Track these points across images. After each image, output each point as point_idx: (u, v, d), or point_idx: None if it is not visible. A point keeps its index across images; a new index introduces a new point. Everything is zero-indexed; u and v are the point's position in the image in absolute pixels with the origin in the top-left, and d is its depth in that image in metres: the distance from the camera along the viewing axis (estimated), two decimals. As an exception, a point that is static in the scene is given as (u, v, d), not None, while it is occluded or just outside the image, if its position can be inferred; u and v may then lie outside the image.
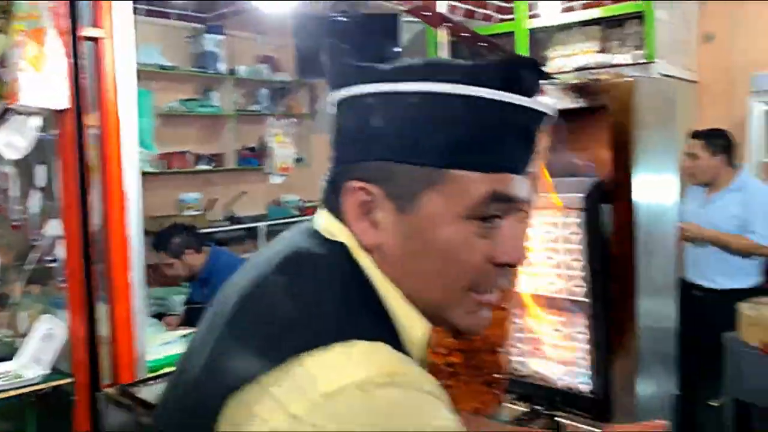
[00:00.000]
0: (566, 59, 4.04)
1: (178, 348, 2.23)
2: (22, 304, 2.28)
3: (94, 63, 1.91)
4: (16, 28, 1.80)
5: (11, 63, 1.81)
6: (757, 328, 2.54)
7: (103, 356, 1.94)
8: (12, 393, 1.91)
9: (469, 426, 0.79)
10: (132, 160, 1.81)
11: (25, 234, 2.15)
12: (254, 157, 5.74)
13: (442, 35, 2.36)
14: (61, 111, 1.85)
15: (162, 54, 5.16)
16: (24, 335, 2.10)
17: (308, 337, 0.57)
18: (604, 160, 1.41)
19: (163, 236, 3.13)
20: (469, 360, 1.20)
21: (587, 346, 1.44)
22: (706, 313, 2.84)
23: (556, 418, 1.49)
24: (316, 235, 0.70)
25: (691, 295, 2.93)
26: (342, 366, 0.55)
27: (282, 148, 3.94)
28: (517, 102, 0.63)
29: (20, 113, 1.87)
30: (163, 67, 5.13)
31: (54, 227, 1.96)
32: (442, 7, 2.60)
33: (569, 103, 1.40)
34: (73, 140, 1.80)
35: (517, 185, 0.65)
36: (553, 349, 1.51)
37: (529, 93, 0.65)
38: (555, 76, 1.44)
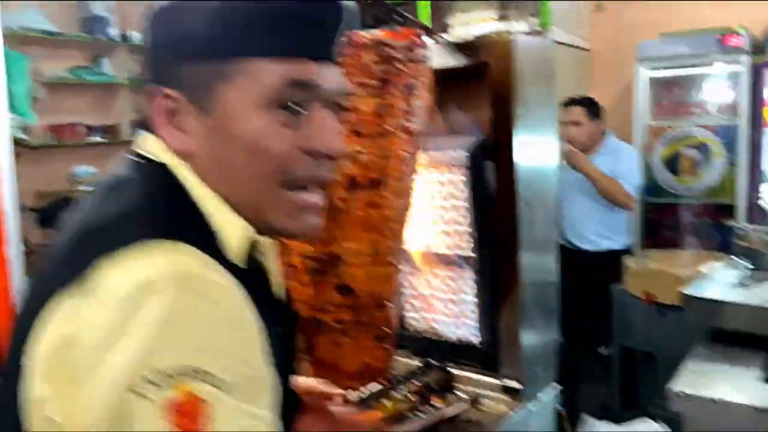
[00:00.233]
0: (466, 27, 4.11)
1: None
2: None
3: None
4: None
5: None
6: (640, 279, 2.73)
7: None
8: None
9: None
10: (2, 127, 1.68)
11: None
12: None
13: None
14: None
15: (48, 19, 4.81)
16: None
17: (109, 243, 0.57)
18: (486, 119, 1.44)
19: (49, 212, 2.96)
20: (358, 316, 1.21)
21: (475, 300, 1.49)
22: (585, 271, 3.01)
23: (448, 370, 1.54)
24: (137, 157, 0.70)
25: (569, 257, 3.11)
26: (135, 267, 0.55)
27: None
28: None
29: None
30: (48, 33, 4.78)
31: None
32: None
33: (452, 60, 1.42)
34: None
35: (319, 73, 0.65)
36: (444, 303, 1.55)
37: None
38: (439, 34, 1.45)
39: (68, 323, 0.55)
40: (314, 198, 0.68)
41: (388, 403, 1.48)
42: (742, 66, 4.33)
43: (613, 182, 3.11)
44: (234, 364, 0.55)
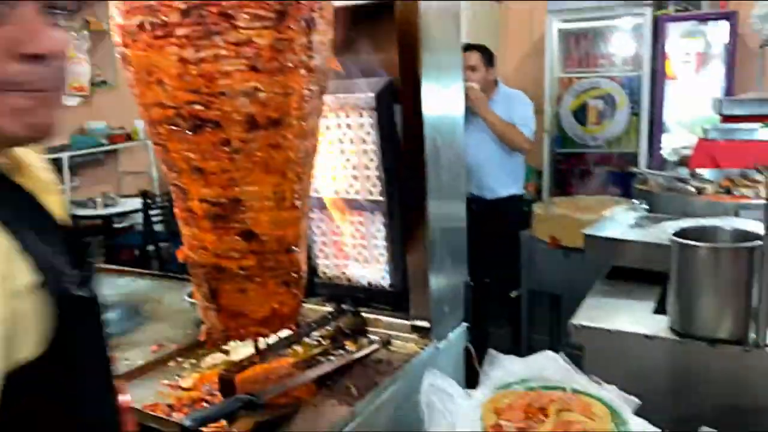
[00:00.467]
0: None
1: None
2: None
3: None
4: None
5: None
6: (545, 224, 2.82)
7: None
8: None
9: None
10: None
11: None
12: (49, 80, 5.12)
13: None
14: None
15: None
16: None
17: None
18: (394, 62, 1.42)
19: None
20: (263, 261, 1.18)
21: (385, 244, 1.49)
22: (485, 219, 3.09)
23: (360, 314, 1.55)
24: None
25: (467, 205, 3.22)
26: None
27: (75, 65, 3.54)
28: None
29: None
30: None
31: None
32: None
33: (353, 1, 1.38)
34: None
35: None
36: (355, 248, 1.55)
37: None
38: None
39: None
40: (29, 102, 0.66)
41: (299, 349, 1.48)
42: (646, 19, 4.50)
43: (510, 126, 3.20)
44: None
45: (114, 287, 2.06)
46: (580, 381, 1.19)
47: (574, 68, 4.95)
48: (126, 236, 5.37)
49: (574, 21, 4.81)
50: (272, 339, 1.36)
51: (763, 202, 1.30)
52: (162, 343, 1.57)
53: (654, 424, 1.10)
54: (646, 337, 1.46)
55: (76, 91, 3.61)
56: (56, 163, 5.19)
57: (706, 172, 2.62)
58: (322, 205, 1.55)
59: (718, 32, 4.65)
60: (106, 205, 4.91)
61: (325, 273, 1.63)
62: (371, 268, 1.55)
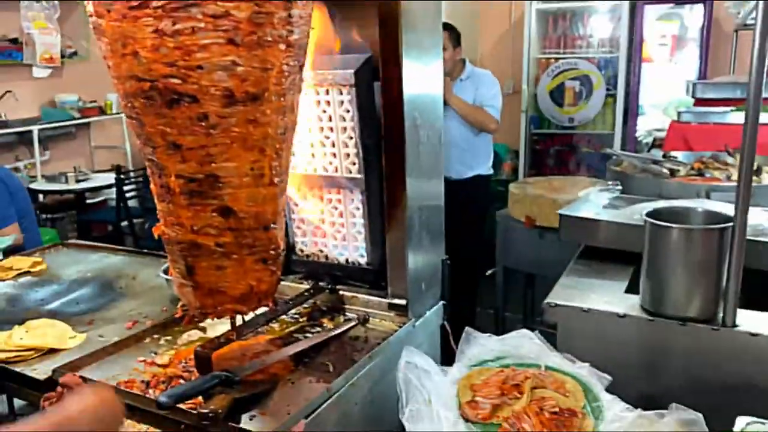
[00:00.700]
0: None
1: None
2: None
3: None
4: None
5: None
6: (521, 204, 2.84)
7: None
8: None
9: None
10: None
11: None
12: (17, 50, 4.97)
13: None
14: None
15: None
16: None
17: None
18: (374, 39, 1.40)
19: None
20: (241, 239, 1.17)
21: (363, 221, 1.49)
22: (451, 200, 3.10)
23: (337, 291, 1.55)
24: None
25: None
26: None
27: (45, 35, 3.43)
28: None
29: None
30: None
31: None
32: None
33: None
34: None
35: None
36: (333, 226, 1.54)
37: None
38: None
39: None
40: None
41: (276, 326, 1.48)
42: (623, 1, 4.51)
43: (476, 109, 3.21)
44: None
45: (87, 263, 2.03)
46: (554, 359, 1.21)
47: (552, 49, 4.97)
48: (99, 212, 5.28)
49: (552, 1, 4.81)
50: (249, 316, 1.35)
51: (733, 184, 1.32)
52: (137, 320, 1.56)
53: (625, 401, 1.13)
54: (619, 315, 1.48)
55: (46, 62, 3.50)
56: (26, 136, 5.07)
57: (679, 155, 2.65)
58: (299, 182, 1.54)
59: (694, 16, 4.69)
60: (78, 180, 4.81)
61: (302, 250, 1.63)
62: (349, 246, 1.54)
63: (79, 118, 5.37)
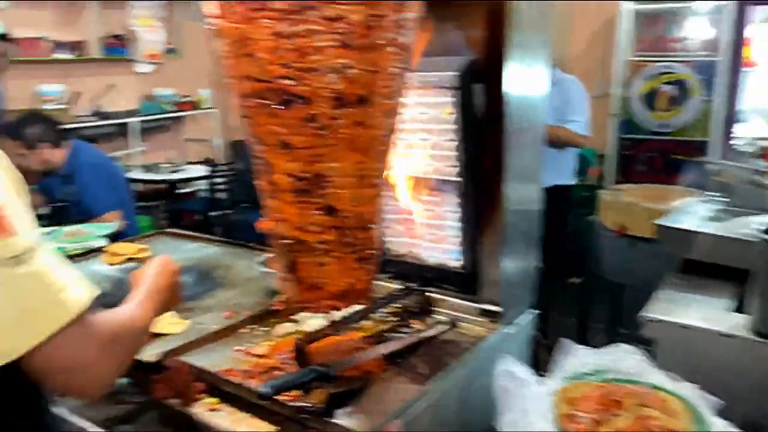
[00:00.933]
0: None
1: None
2: None
3: None
4: None
5: None
6: (612, 212, 2.76)
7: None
8: None
9: None
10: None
11: None
12: (122, 46, 5.27)
13: None
14: None
15: None
16: None
17: None
18: (478, 40, 1.40)
19: (18, 125, 2.85)
20: (342, 237, 1.20)
21: (458, 224, 1.49)
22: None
23: (427, 293, 1.55)
24: None
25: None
26: None
27: (150, 33, 3.61)
28: None
29: None
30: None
31: None
32: None
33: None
34: None
35: None
36: (426, 228, 1.55)
37: None
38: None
39: None
40: None
41: (368, 324, 1.50)
42: (727, 1, 4.28)
43: (560, 129, 3.09)
44: None
45: (185, 251, 2.12)
46: (657, 376, 1.17)
47: (646, 51, 4.78)
48: (188, 202, 5.51)
49: (648, 1, 4.62)
50: (343, 312, 1.37)
51: None
52: (234, 310, 1.61)
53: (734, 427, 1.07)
54: (724, 335, 1.41)
55: (149, 59, 3.69)
56: (125, 128, 5.36)
57: (788, 166, 2.49)
58: (394, 183, 1.55)
59: (806, 17, 4.39)
60: (172, 171, 5.05)
61: (394, 250, 1.64)
62: (441, 249, 1.54)
63: (174, 112, 5.63)
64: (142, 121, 5.42)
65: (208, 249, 2.15)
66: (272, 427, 1.17)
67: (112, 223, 2.71)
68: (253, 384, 1.22)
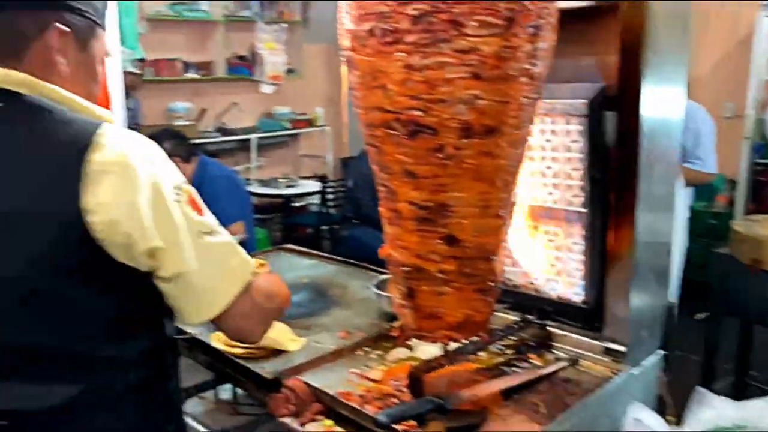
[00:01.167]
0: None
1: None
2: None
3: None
4: None
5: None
6: (746, 245, 2.55)
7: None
8: None
9: None
10: (114, 60, 1.72)
11: None
12: (245, 66, 5.57)
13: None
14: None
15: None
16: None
17: None
18: (609, 66, 1.34)
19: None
20: (463, 267, 1.18)
21: (581, 257, 1.42)
22: None
23: (546, 327, 1.50)
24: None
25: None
26: None
27: (273, 55, 3.80)
28: None
29: None
30: (148, -32, 4.88)
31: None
32: None
33: (576, 1, 1.31)
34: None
35: None
36: (548, 259, 1.50)
37: None
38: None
39: None
40: None
41: (484, 356, 1.47)
42: None
43: (690, 172, 2.89)
44: None
45: (302, 268, 2.19)
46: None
47: (786, 69, 4.40)
48: (301, 216, 5.71)
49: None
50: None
51: None
52: (349, 330, 1.64)
53: None
54: None
55: (272, 80, 3.89)
56: (246, 144, 5.65)
57: None
58: (516, 211, 1.52)
59: None
60: (287, 186, 5.25)
61: (511, 280, 1.60)
62: (563, 281, 1.49)
63: (290, 129, 5.86)
64: (262, 138, 5.69)
65: (323, 267, 2.20)
66: (387, 456, 1.16)
67: (236, 235, 2.85)
68: (370, 410, 1.23)
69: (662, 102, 1.35)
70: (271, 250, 2.44)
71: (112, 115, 1.11)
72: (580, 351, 1.43)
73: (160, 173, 1.00)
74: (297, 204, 5.73)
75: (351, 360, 1.48)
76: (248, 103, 5.78)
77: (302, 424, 1.29)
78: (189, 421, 1.51)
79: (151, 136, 1.13)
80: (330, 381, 1.37)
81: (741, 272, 2.58)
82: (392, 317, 1.55)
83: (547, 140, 1.41)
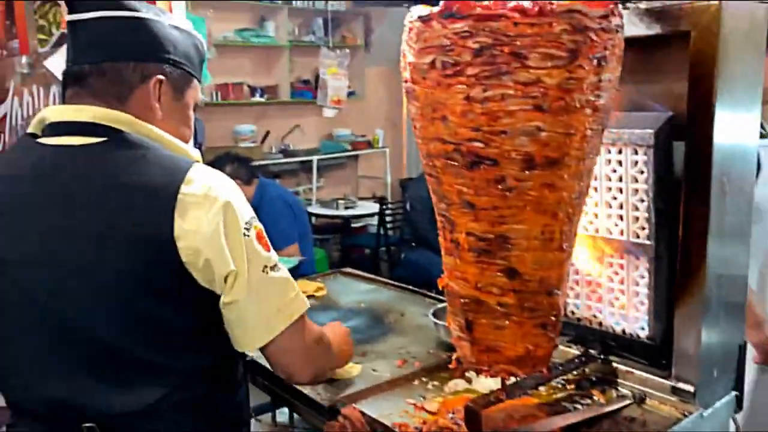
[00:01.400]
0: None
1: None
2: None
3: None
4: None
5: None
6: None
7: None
8: None
9: None
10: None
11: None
12: (308, 90, 5.70)
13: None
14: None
15: (216, -18, 5.09)
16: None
17: None
18: (677, 94, 1.30)
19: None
20: (523, 301, 1.15)
21: (647, 291, 1.37)
22: None
23: (610, 362, 1.44)
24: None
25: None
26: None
27: (335, 80, 3.87)
28: None
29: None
30: (217, -5, 5.06)
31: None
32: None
33: (644, 29, 1.28)
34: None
35: None
36: (611, 292, 1.45)
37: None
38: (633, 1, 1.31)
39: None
40: None
41: (544, 391, 1.43)
42: None
43: None
44: None
45: (360, 293, 2.20)
46: None
47: None
48: (359, 236, 5.75)
49: None
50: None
51: None
52: (405, 359, 1.63)
53: None
54: None
55: (334, 104, 3.97)
56: (307, 165, 5.75)
57: None
58: (578, 242, 1.48)
59: None
60: (346, 207, 5.31)
61: (573, 312, 1.56)
62: (628, 315, 1.43)
63: (350, 150, 5.94)
64: (323, 159, 5.79)
65: (381, 292, 2.20)
66: (443, 492, 1.14)
67: (294, 258, 2.90)
68: (426, 443, 1.21)
69: (735, 129, 1.29)
70: (329, 274, 2.46)
71: (199, 155, 1.26)
72: (646, 389, 1.38)
73: (236, 208, 1.11)
74: (355, 225, 5.78)
75: (407, 390, 1.47)
76: (310, 125, 5.90)
77: (357, 453, 1.29)
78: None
79: (215, 160, 1.22)
80: (386, 411, 1.36)
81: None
82: (450, 347, 1.53)
83: (613, 170, 1.38)
